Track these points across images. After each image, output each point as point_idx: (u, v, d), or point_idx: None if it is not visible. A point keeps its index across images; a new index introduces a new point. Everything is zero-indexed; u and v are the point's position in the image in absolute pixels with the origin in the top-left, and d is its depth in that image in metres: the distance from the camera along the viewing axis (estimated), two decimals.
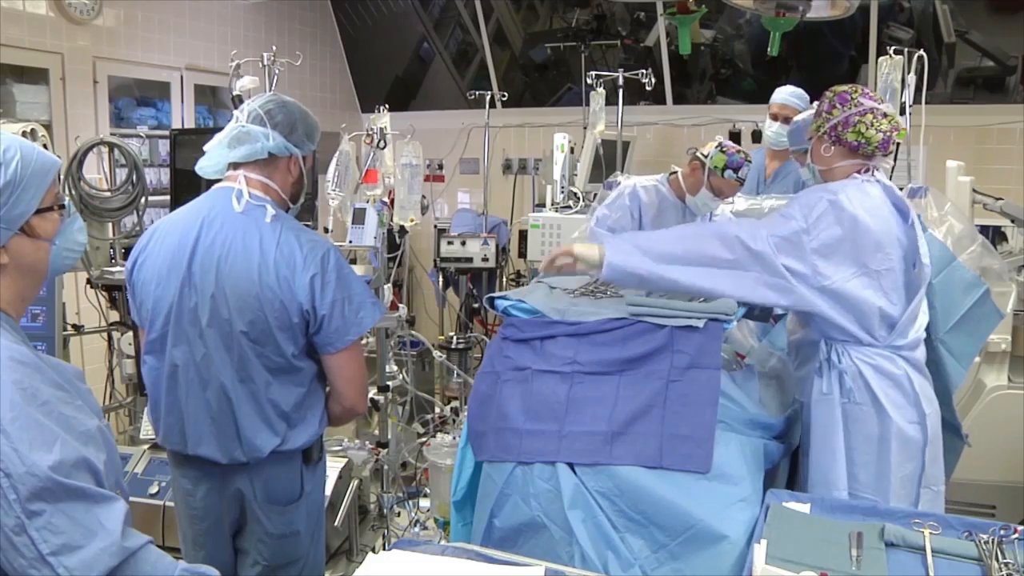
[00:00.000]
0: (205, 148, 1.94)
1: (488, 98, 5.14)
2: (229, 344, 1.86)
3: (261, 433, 1.90)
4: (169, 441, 1.98)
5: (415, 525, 3.24)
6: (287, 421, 1.92)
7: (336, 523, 2.91)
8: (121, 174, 3.48)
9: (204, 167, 1.96)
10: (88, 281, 3.35)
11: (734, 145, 2.84)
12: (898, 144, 2.38)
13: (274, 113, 1.91)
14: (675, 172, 2.98)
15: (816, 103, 2.90)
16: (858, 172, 2.18)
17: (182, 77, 5.39)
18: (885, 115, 2.17)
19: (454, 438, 3.13)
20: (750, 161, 2.81)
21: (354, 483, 3.02)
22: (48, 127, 4.30)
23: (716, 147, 2.80)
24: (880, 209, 2.11)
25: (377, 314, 2.00)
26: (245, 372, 1.88)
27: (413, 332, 3.66)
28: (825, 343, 2.19)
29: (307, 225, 3.29)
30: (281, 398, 1.91)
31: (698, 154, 2.86)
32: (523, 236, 4.38)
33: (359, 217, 3.14)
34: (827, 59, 5.63)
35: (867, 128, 2.13)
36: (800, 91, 3.69)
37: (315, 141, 2.02)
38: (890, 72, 3.03)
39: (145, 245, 1.98)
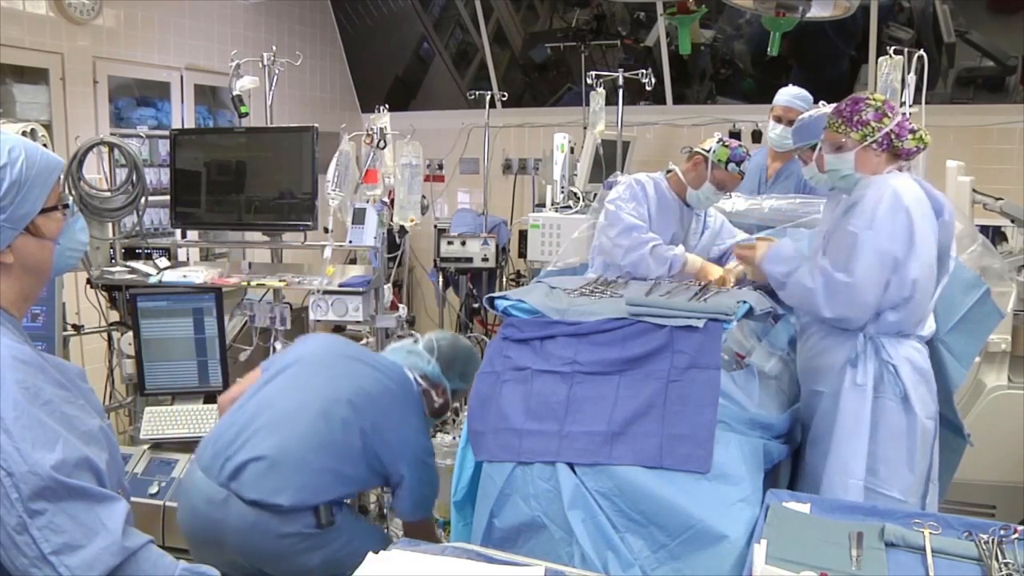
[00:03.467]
0: (388, 348, 2.51)
1: (488, 98, 5.14)
2: None
3: None
4: None
5: None
6: None
7: None
8: (121, 174, 3.47)
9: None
10: (88, 281, 3.35)
11: (734, 140, 2.89)
12: None
13: (442, 348, 2.38)
14: (672, 170, 2.98)
15: (823, 103, 2.92)
16: (897, 170, 2.24)
17: (182, 77, 5.39)
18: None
19: (454, 438, 3.12)
20: (749, 154, 2.85)
21: None
22: (48, 127, 4.30)
23: (718, 142, 2.84)
24: (922, 203, 2.17)
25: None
26: None
27: (413, 332, 3.66)
28: (863, 335, 2.21)
29: (307, 225, 3.31)
30: None
31: (698, 149, 2.88)
32: (523, 236, 4.38)
33: (359, 217, 3.14)
34: (827, 59, 5.63)
35: (925, 134, 2.21)
36: (803, 92, 3.67)
37: (468, 381, 2.34)
38: (890, 72, 3.03)
39: None
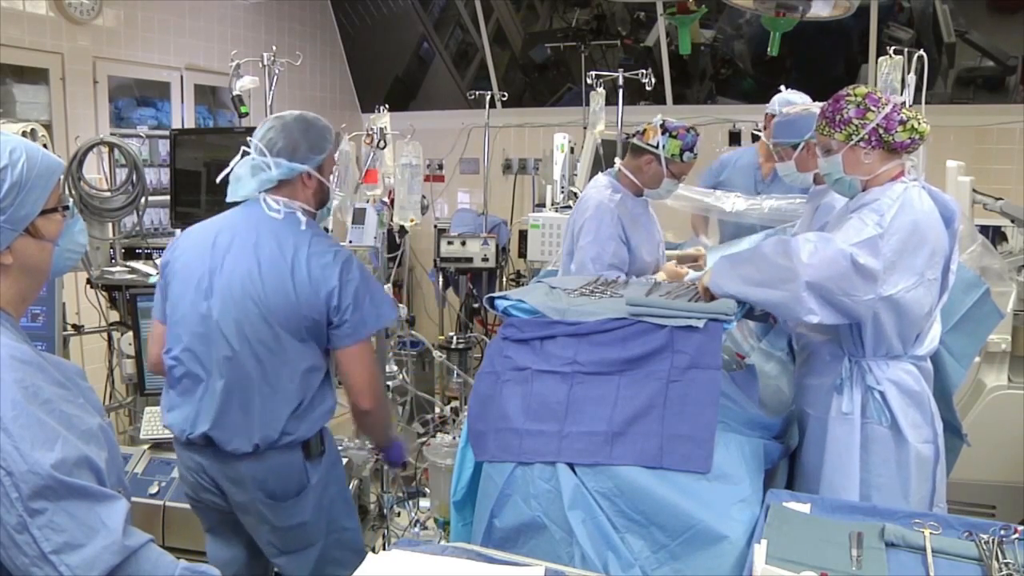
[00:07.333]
0: (230, 179, 2.06)
1: (488, 98, 5.14)
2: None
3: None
4: None
5: (415, 525, 3.23)
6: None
7: None
8: (121, 174, 3.48)
9: (235, 196, 2.07)
10: (88, 281, 3.35)
11: (678, 124, 2.72)
12: None
13: (273, 141, 2.02)
14: (620, 170, 2.86)
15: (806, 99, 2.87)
16: (901, 176, 2.09)
17: (182, 77, 5.40)
18: (904, 104, 2.12)
19: (454, 438, 3.11)
20: (698, 133, 2.73)
21: (354, 483, 3.01)
22: (48, 127, 4.30)
23: (663, 134, 2.68)
24: (931, 215, 2.04)
25: (394, 313, 2.14)
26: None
27: (413, 332, 3.66)
28: (849, 359, 2.14)
29: None
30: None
31: (643, 145, 2.73)
32: (523, 236, 4.39)
33: (359, 217, 3.14)
34: (827, 59, 5.63)
35: (919, 123, 2.05)
36: (794, 98, 3.40)
37: (324, 149, 2.09)
38: (890, 72, 3.03)
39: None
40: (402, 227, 3.47)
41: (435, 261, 4.81)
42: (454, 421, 3.79)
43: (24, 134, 2.97)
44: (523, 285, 4.41)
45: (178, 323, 2.04)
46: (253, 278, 1.97)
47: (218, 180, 2.08)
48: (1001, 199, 3.40)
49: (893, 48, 3.03)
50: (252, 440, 1.99)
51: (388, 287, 3.27)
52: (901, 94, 2.97)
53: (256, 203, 2.06)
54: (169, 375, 2.08)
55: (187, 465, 2.12)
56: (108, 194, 3.38)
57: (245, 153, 2.05)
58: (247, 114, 3.79)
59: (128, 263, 3.44)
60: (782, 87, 3.65)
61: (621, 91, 4.48)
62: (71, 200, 1.35)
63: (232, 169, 2.06)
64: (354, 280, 2.02)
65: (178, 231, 3.89)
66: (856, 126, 2.06)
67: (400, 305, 3.33)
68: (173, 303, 2.05)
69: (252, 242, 2.00)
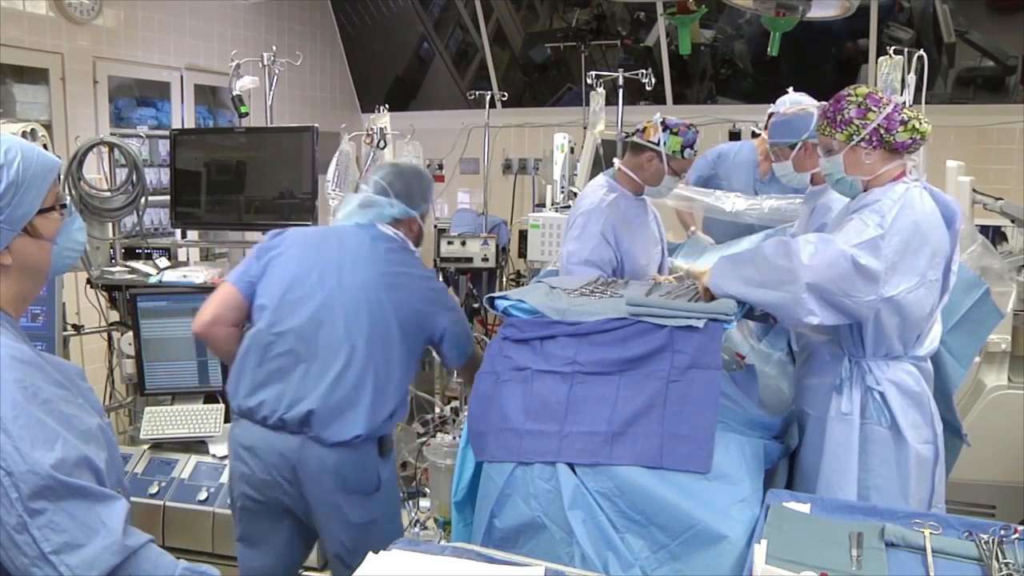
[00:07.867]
0: (339, 213, 2.33)
1: (488, 98, 5.14)
2: None
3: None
4: None
5: (415, 525, 3.23)
6: None
7: None
8: (121, 174, 3.47)
9: (341, 223, 2.31)
10: (88, 281, 3.35)
11: (679, 121, 2.72)
12: None
13: (392, 184, 2.29)
14: (620, 169, 2.85)
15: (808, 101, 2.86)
16: (903, 176, 2.09)
17: (182, 77, 5.40)
18: (905, 104, 2.12)
19: (454, 438, 3.11)
20: (697, 129, 2.73)
21: None
22: (48, 127, 4.31)
23: (664, 131, 2.68)
24: (933, 216, 2.04)
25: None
26: None
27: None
28: (849, 360, 2.14)
29: (307, 225, 3.31)
30: None
31: (643, 143, 2.72)
32: (523, 236, 4.39)
33: None
34: (826, 59, 5.63)
35: (920, 123, 2.04)
36: (801, 99, 3.47)
37: (430, 199, 2.42)
38: (890, 72, 3.02)
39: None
40: None
41: (435, 261, 4.80)
42: (454, 421, 3.78)
43: (24, 134, 2.97)
44: (523, 285, 4.41)
45: (292, 303, 2.12)
46: (391, 286, 2.14)
47: (337, 214, 2.33)
48: (1001, 199, 3.40)
49: (893, 48, 3.03)
50: (353, 431, 2.06)
51: None
52: (901, 94, 2.97)
53: (371, 226, 2.26)
54: (263, 352, 2.11)
55: (264, 459, 2.10)
56: (108, 194, 3.37)
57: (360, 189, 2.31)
58: (247, 114, 3.79)
59: (128, 263, 3.44)
60: (790, 89, 3.65)
61: (621, 91, 4.47)
62: (69, 199, 1.35)
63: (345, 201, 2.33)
64: (456, 308, 2.30)
65: (178, 232, 3.92)
66: (857, 126, 2.06)
67: None
68: (284, 283, 2.14)
69: (380, 255, 2.19)
